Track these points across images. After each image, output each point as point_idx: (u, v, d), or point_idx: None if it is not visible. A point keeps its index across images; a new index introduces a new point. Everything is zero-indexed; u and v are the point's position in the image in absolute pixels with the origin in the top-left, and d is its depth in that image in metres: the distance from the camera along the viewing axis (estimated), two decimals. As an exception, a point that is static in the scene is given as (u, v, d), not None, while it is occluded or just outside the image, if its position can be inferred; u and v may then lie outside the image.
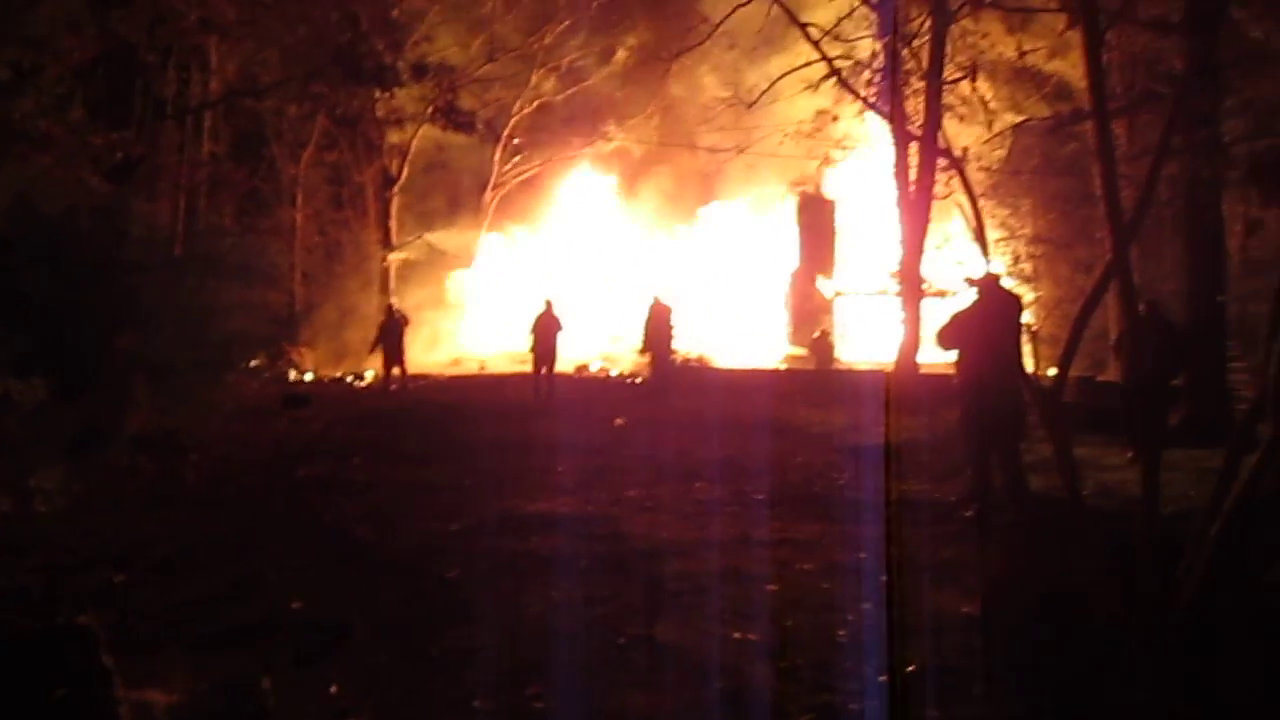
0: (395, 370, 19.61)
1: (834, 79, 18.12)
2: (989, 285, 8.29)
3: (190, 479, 9.52)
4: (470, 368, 26.71)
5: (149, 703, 4.01)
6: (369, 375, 22.17)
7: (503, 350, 29.08)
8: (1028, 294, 26.84)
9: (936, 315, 13.13)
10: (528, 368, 22.56)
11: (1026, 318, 25.44)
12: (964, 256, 21.08)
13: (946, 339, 8.25)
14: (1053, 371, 6.72)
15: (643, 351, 19.06)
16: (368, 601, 5.74)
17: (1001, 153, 24.36)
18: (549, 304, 18.08)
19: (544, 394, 17.41)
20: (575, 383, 21.77)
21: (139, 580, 6.11)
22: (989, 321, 7.97)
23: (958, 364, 8.27)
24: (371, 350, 20.08)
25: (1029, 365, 18.04)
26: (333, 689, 4.51)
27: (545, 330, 17.75)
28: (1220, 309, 13.78)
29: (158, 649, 4.96)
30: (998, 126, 21.51)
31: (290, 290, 27.95)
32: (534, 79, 31.51)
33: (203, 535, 7.38)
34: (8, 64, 10.52)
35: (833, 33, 18.60)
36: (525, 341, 18.02)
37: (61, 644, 4.19)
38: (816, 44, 17.06)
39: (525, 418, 14.52)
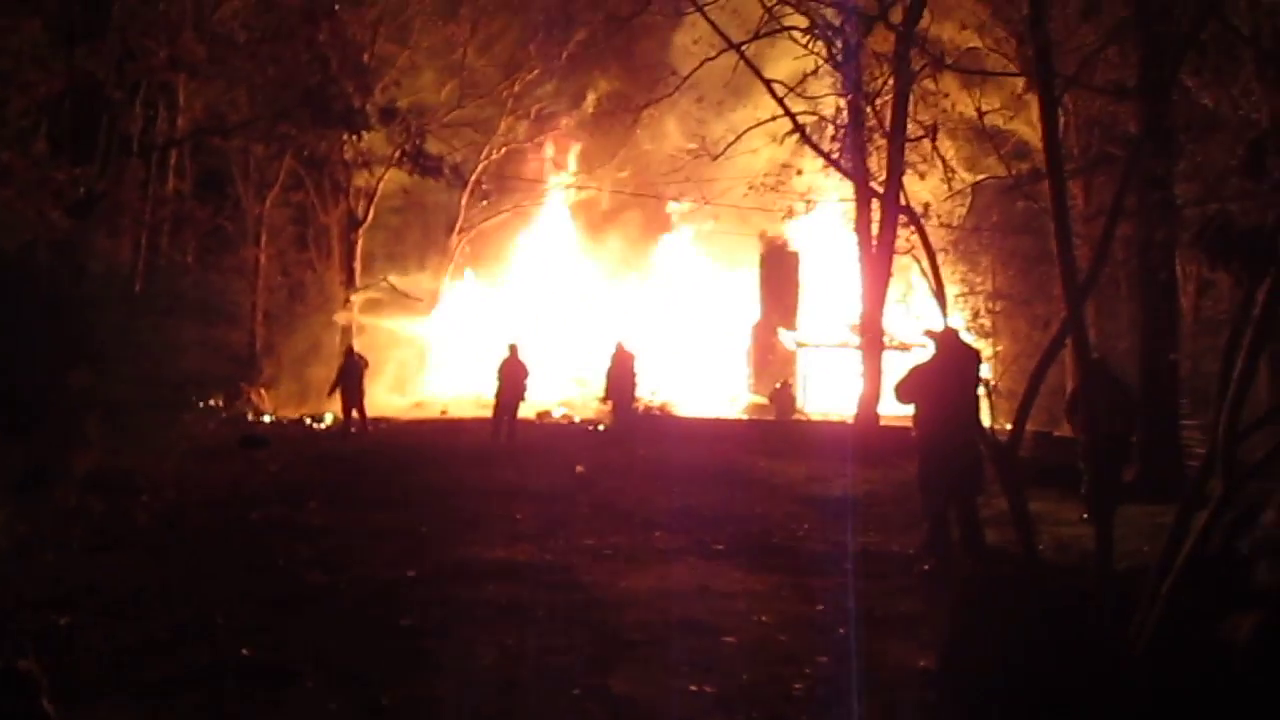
0: (354, 413, 19.44)
1: (797, 134, 18.39)
2: (947, 339, 8.39)
3: (141, 520, 9.34)
4: (432, 411, 26.55)
5: (90, 750, 3.90)
6: (329, 418, 21.97)
7: (465, 394, 28.99)
8: (987, 349, 27.24)
9: (898, 368, 13.26)
10: (490, 412, 22.51)
11: (985, 372, 25.77)
12: (925, 311, 21.36)
13: (904, 393, 8.33)
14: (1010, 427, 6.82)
15: (605, 399, 19.06)
16: (319, 648, 5.64)
17: (962, 210, 24.84)
18: (514, 349, 18.05)
19: (504, 438, 17.30)
20: (537, 429, 21.68)
21: (84, 624, 5.97)
22: (947, 376, 8.05)
23: (915, 418, 8.34)
24: (331, 392, 19.91)
25: (987, 419, 18.20)
26: (280, 738, 4.42)
27: (511, 375, 17.69)
28: (1173, 367, 14.03)
29: (103, 695, 4.85)
30: (958, 184, 21.94)
31: (251, 330, 27.74)
32: (503, 125, 31.76)
33: (152, 578, 7.23)
34: (-30, 97, 10.45)
35: (798, 89, 18.91)
36: (492, 386, 17.91)
37: (1, 689, 4.08)
38: (781, 100, 17.34)
39: (485, 463, 14.43)
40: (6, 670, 4.17)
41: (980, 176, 22.70)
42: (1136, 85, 11.72)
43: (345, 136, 20.23)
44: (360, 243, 30.67)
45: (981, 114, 18.88)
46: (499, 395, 17.67)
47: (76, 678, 4.92)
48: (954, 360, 8.19)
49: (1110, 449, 9.53)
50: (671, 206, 31.26)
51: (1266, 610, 2.95)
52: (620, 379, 18.30)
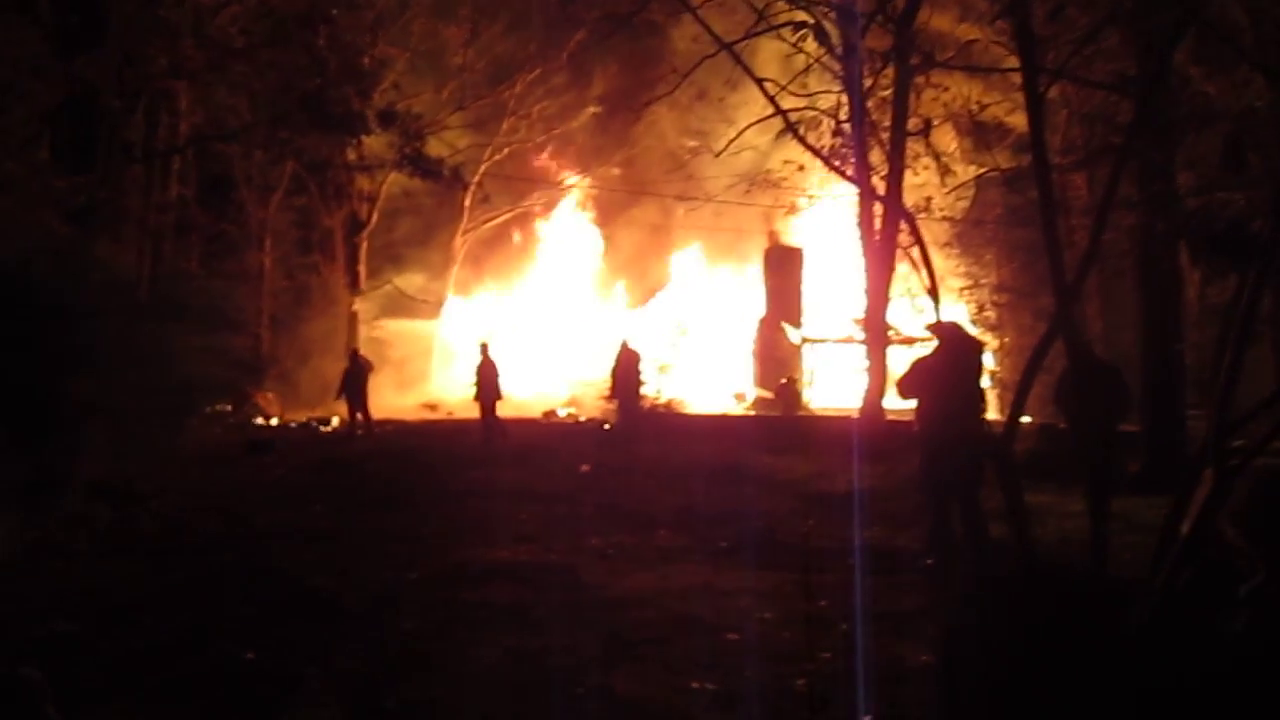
0: (359, 416, 19.48)
1: (794, 135, 18.32)
2: (949, 333, 8.37)
3: (146, 527, 9.38)
4: (438, 412, 26.57)
5: (93, 757, 3.93)
6: (334, 421, 22.01)
7: (471, 395, 29.01)
8: (992, 342, 27.17)
9: (902, 363, 13.24)
10: (499, 413, 22.63)
11: (989, 364, 25.73)
12: (929, 304, 21.29)
13: (906, 388, 8.31)
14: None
15: (609, 397, 19.07)
16: (322, 652, 5.66)
17: (965, 204, 24.78)
18: (484, 348, 18.35)
19: (493, 438, 17.43)
20: (542, 428, 21.70)
21: (90, 630, 5.99)
22: (949, 370, 8.02)
23: (917, 412, 8.31)
24: (336, 396, 19.95)
25: (993, 412, 18.19)
26: (283, 742, 4.43)
27: (485, 376, 17.91)
28: (1178, 358, 13.98)
29: (108, 700, 4.87)
30: (961, 178, 21.88)
31: (256, 334, 27.78)
32: (504, 126, 31.76)
33: (157, 584, 7.27)
34: (-28, 107, 10.48)
35: (796, 85, 18.85)
36: (471, 389, 18.14)
37: (5, 696, 4.10)
38: (772, 98, 17.26)
39: (489, 465, 14.44)
40: (11, 676, 4.20)
41: (982, 170, 22.64)
42: (1132, 76, 11.67)
43: (346, 140, 20.25)
44: (364, 245, 30.70)
45: (982, 107, 18.86)
46: (478, 398, 17.83)
47: (82, 684, 4.94)
48: (956, 354, 8.16)
49: (1101, 440, 9.40)
50: (675, 206, 31.21)
51: (1257, 603, 2.95)
52: (625, 377, 18.30)
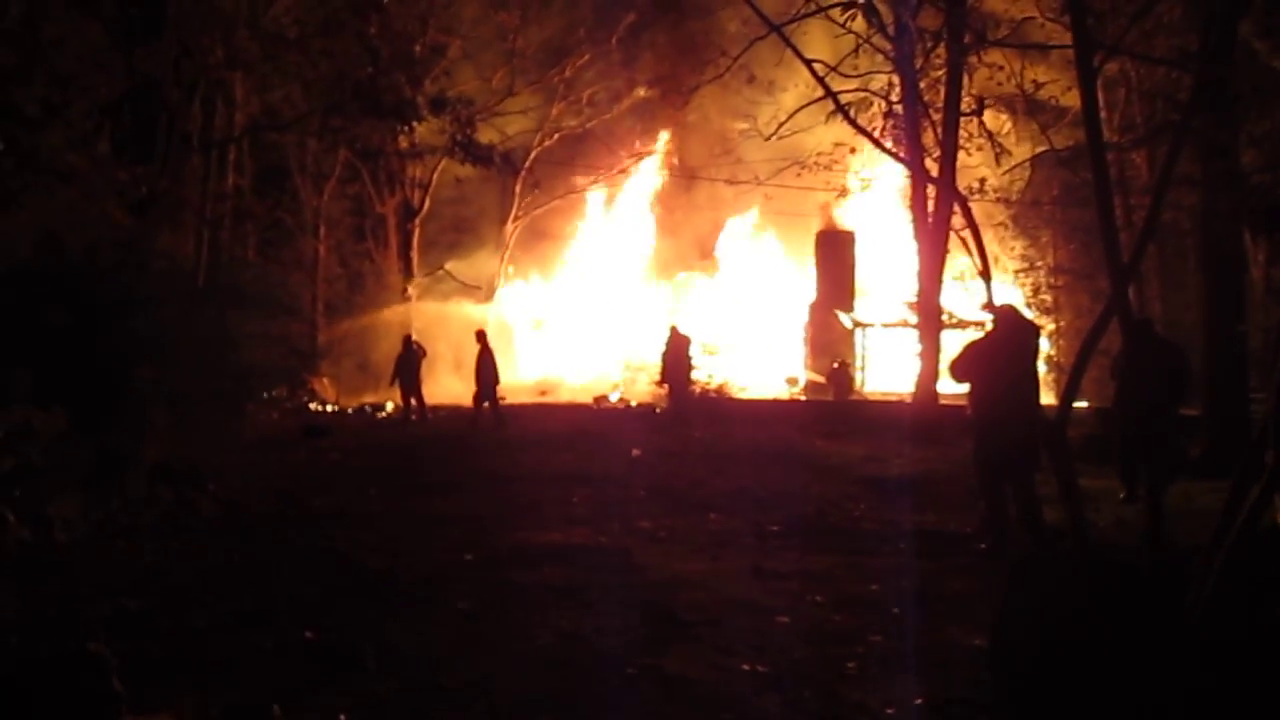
0: (413, 401, 19.72)
1: (844, 117, 18.13)
2: (1003, 315, 8.26)
3: (207, 509, 9.58)
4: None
5: (159, 729, 4.04)
6: (389, 406, 22.29)
7: (525, 379, 29.29)
8: (1048, 325, 26.76)
9: (956, 346, 13.07)
10: (548, 398, 23.05)
11: (1045, 347, 25.34)
12: (981, 287, 21.03)
13: (959, 370, 8.22)
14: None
15: (660, 382, 19.11)
16: (379, 631, 5.76)
17: (1020, 184, 24.39)
18: (483, 335, 18.90)
19: (489, 424, 17.86)
20: (593, 414, 21.80)
21: (154, 608, 6.14)
22: (1003, 353, 7.93)
23: (970, 395, 8.23)
24: (391, 382, 20.21)
25: (1051, 395, 17.93)
26: (341, 717, 4.52)
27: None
28: (1241, 339, 13.67)
29: (170, 676, 4.99)
30: (1017, 157, 21.54)
31: (312, 321, 28.22)
32: (554, 111, 31.82)
33: (217, 564, 7.43)
34: (37, 100, 10.72)
35: (846, 66, 18.66)
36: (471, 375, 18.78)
37: (74, 670, 4.24)
38: (822, 80, 17.09)
39: (541, 448, 14.54)
40: (79, 652, 4.34)
41: (1038, 149, 22.27)
42: (1193, 51, 11.38)
43: (398, 127, 20.44)
44: (417, 232, 30.98)
45: (1037, 86, 18.53)
46: (477, 382, 18.34)
47: (146, 660, 5.07)
48: (1010, 336, 8.05)
49: (1159, 419, 9.24)
50: (724, 190, 31.04)
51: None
52: (675, 362, 18.32)
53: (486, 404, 18.49)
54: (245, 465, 12.33)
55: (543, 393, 27.52)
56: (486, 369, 18.30)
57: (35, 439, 7.57)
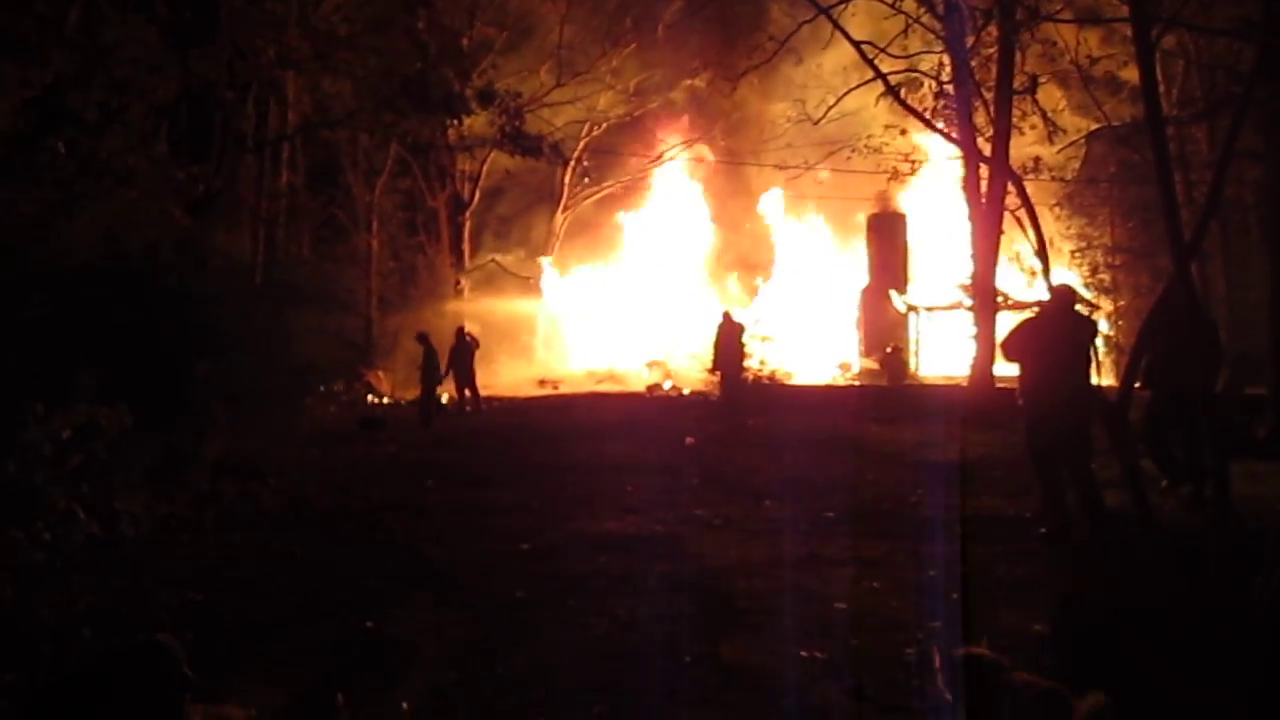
0: (467, 392, 19.91)
1: (894, 98, 17.90)
2: (1059, 294, 8.07)
3: (268, 502, 9.75)
4: (546, 389, 26.94)
5: (227, 716, 4.13)
6: (443, 398, 22.49)
7: (579, 369, 29.46)
8: (1106, 305, 26.27)
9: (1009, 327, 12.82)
10: (604, 387, 23.43)
11: (1104, 328, 24.85)
12: (1038, 267, 20.69)
13: (1010, 349, 8.05)
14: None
15: (712, 370, 19.05)
16: (438, 621, 5.83)
17: (1075, 163, 23.95)
18: (461, 331, 20.34)
19: (470, 411, 19.43)
20: (646, 402, 21.82)
21: (219, 600, 6.28)
22: (1056, 333, 7.74)
23: (1020, 379, 8.06)
24: (445, 374, 20.40)
25: (1112, 378, 17.60)
26: (404, 705, 4.59)
27: (459, 356, 19.66)
28: (1309, 317, 13.28)
29: (236, 666, 5.10)
30: (1071, 134, 21.14)
31: (366, 315, 28.53)
32: (602, 101, 31.82)
33: (279, 556, 7.56)
34: (96, 105, 10.94)
35: (895, 46, 18.43)
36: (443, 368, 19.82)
37: (144, 660, 4.34)
38: (871, 62, 16.88)
39: (596, 438, 14.58)
40: (150, 643, 4.44)
41: (1094, 126, 21.83)
42: (1255, 21, 11.07)
43: (447, 121, 20.58)
44: (468, 225, 31.18)
45: (1093, 61, 18.15)
46: (454, 374, 19.61)
47: (212, 650, 5.19)
48: (1063, 316, 7.86)
49: (1204, 398, 8.89)
50: (776, 175, 30.83)
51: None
52: (728, 349, 18.24)
53: (467, 392, 19.93)
54: (304, 459, 12.53)
55: (599, 381, 27.66)
56: (464, 361, 19.67)
57: (101, 436, 7.74)
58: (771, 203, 33.62)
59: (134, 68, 11.09)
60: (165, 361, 10.01)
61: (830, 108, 20.84)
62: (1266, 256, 14.16)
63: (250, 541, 8.12)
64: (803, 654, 5.20)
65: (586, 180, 33.09)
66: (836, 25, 15.83)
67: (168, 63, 11.73)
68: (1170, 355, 8.20)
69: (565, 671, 5.07)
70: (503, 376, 26.74)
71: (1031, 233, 6.05)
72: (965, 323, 22.15)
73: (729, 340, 18.13)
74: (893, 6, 17.60)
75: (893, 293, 28.41)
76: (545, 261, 33.05)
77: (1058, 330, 7.70)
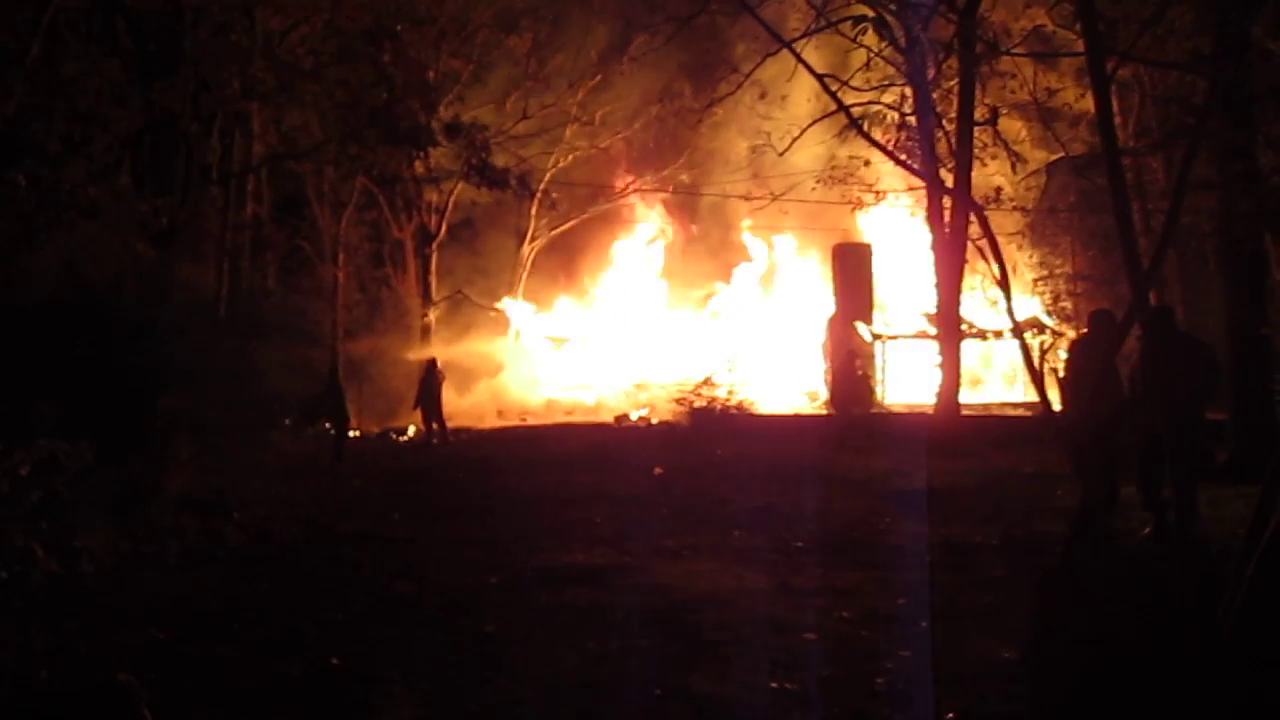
0: (434, 425, 19.78)
1: (857, 130, 18.11)
2: (1092, 320, 8.41)
3: (233, 537, 9.62)
4: (511, 420, 26.85)
5: (188, 760, 4.05)
6: (410, 430, 22.34)
7: (545, 398, 29.39)
8: (1068, 332, 26.57)
9: (975, 357, 13.00)
10: (573, 418, 23.47)
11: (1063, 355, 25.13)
12: (999, 297, 20.95)
13: (1072, 382, 8.38)
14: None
15: (680, 400, 19.10)
16: (406, 656, 5.77)
17: (1036, 192, 24.30)
18: (432, 362, 20.56)
19: (438, 443, 19.32)
20: (614, 433, 21.79)
21: (181, 638, 6.17)
22: (1096, 353, 8.02)
23: (1076, 398, 8.36)
24: (413, 406, 20.31)
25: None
26: (370, 744, 4.53)
27: (427, 387, 19.78)
28: (1264, 342, 13.54)
29: (200, 706, 5.01)
30: (1031, 165, 21.47)
31: (333, 348, 28.30)
32: (568, 133, 31.95)
33: (244, 592, 7.46)
34: (58, 136, 10.85)
35: (859, 80, 18.68)
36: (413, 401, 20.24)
37: (104, 701, 4.26)
38: (834, 94, 17.11)
39: (564, 469, 14.54)
40: (110, 683, 4.36)
41: (1054, 156, 22.18)
42: (1206, 54, 11.33)
43: (413, 153, 20.59)
44: (435, 257, 31.10)
45: (1051, 93, 18.48)
46: (421, 406, 19.81)
47: (175, 690, 5.10)
48: (1096, 340, 8.22)
49: (1189, 422, 9.08)
50: (741, 206, 31.03)
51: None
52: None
53: (435, 424, 19.84)
54: (270, 493, 12.38)
55: (567, 413, 27.60)
56: (431, 392, 19.72)
57: (61, 471, 7.61)
58: (739, 233, 33.85)
59: (97, 99, 11.03)
60: (128, 395, 9.88)
61: (794, 140, 21.04)
62: (1222, 284, 14.43)
63: (214, 577, 8.00)
64: (773, 685, 5.18)
65: (554, 212, 33.14)
66: (798, 57, 15.98)
67: (131, 94, 11.69)
68: (1163, 380, 8.42)
69: (536, 706, 5.02)
70: (469, 408, 26.61)
71: (994, 263, 6.13)
72: (930, 351, 22.33)
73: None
74: (854, 40, 17.82)
75: (858, 321, 28.59)
76: (512, 293, 33.02)
77: (1098, 350, 8.00)
